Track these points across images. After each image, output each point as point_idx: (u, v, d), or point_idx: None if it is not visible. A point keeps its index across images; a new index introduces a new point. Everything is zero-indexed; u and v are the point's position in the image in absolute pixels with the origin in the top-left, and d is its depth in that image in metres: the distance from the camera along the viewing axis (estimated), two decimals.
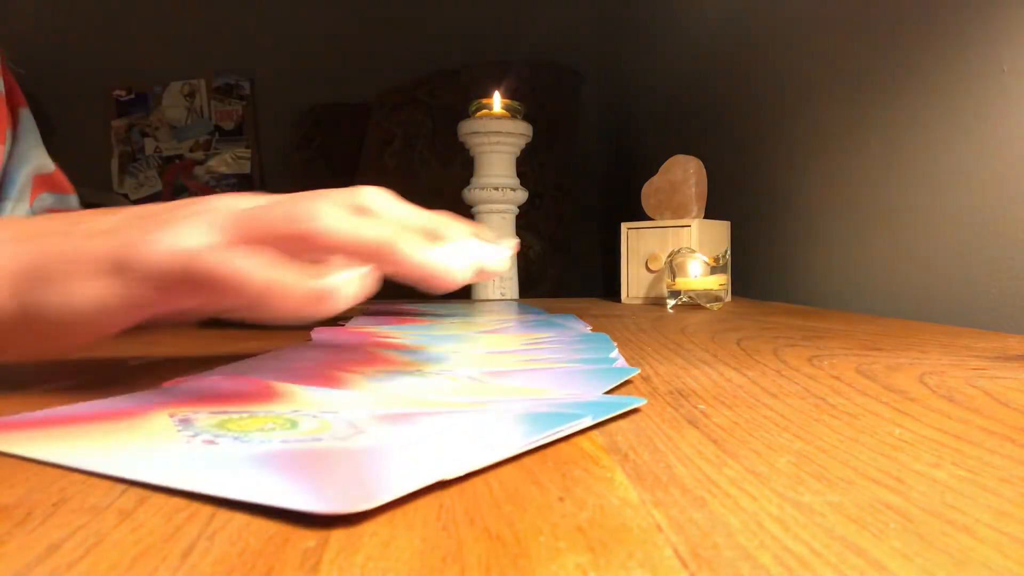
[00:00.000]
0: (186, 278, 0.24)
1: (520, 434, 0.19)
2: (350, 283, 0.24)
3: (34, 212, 0.63)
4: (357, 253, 0.25)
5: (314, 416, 0.21)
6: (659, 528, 0.15)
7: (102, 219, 0.28)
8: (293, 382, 0.27)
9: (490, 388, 0.27)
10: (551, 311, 0.70)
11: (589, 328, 0.50)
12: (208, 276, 0.24)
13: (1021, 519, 0.15)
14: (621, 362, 0.34)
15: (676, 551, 0.13)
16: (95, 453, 0.18)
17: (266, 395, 0.25)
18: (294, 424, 0.20)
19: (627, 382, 0.30)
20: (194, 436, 0.19)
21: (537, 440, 0.19)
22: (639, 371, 0.29)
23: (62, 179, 0.68)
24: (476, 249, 0.29)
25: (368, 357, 0.35)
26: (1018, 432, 0.22)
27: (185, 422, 0.21)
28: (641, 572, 0.13)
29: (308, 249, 0.25)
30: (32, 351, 0.29)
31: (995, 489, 0.17)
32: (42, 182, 0.65)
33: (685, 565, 0.13)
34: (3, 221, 0.30)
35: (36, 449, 0.19)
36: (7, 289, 0.26)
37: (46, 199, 0.65)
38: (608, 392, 0.27)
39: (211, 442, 0.19)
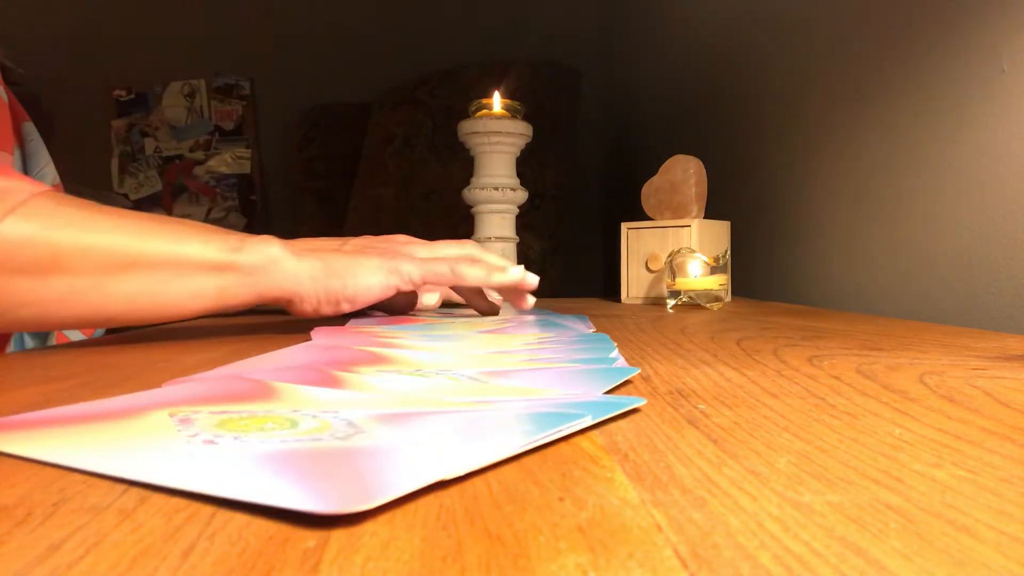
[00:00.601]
0: (429, 276, 0.52)
1: (520, 434, 0.19)
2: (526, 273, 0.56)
3: None
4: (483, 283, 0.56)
5: (314, 416, 0.21)
6: (659, 528, 0.15)
7: (348, 245, 0.54)
8: (293, 382, 0.27)
9: (490, 388, 0.26)
10: (551, 311, 0.70)
11: (592, 329, 0.50)
12: (438, 276, 0.53)
13: (1021, 519, 0.15)
14: (621, 362, 0.33)
15: (676, 551, 0.13)
16: (95, 453, 0.18)
17: (266, 395, 0.25)
18: (294, 424, 0.20)
19: (627, 382, 0.30)
20: (194, 436, 0.19)
21: (537, 440, 0.19)
22: (639, 371, 0.29)
23: (60, 191, 0.70)
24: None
25: (368, 357, 0.34)
26: (1018, 432, 0.22)
27: (185, 422, 0.21)
28: (641, 572, 0.13)
29: (458, 284, 0.55)
30: (324, 313, 0.49)
31: (995, 489, 0.17)
32: None
33: (685, 565, 0.13)
34: (290, 243, 0.50)
35: (36, 449, 0.19)
36: (312, 278, 0.47)
37: None
38: (608, 392, 0.27)
39: (211, 442, 0.19)
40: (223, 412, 0.22)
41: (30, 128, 0.67)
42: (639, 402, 0.24)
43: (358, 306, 0.49)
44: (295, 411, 0.22)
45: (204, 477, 0.16)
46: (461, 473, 0.17)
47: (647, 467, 0.19)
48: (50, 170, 0.68)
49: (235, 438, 0.19)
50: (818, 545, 0.14)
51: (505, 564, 0.13)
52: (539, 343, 0.41)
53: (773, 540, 0.14)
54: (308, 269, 0.47)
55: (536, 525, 0.15)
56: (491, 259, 0.58)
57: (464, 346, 0.39)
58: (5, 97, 0.63)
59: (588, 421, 0.21)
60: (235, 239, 0.46)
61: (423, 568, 0.13)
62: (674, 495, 0.16)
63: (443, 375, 0.29)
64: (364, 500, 0.14)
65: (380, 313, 0.65)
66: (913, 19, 0.71)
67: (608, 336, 0.44)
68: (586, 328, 0.50)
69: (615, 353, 0.36)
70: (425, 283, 0.53)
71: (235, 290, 0.45)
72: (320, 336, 0.45)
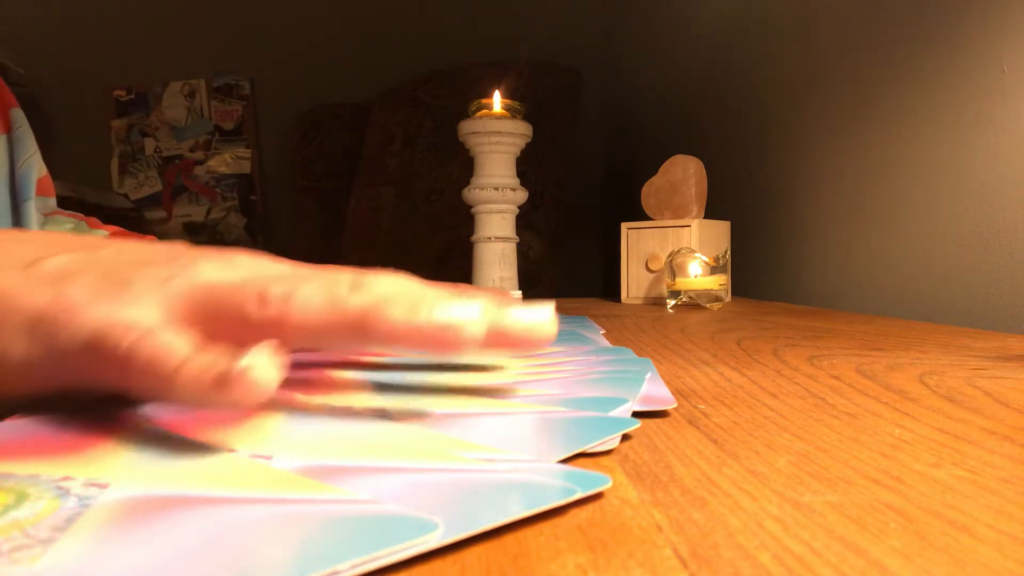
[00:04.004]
0: (98, 357, 0.22)
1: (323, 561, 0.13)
2: (266, 367, 0.19)
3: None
4: (333, 331, 0.22)
5: (60, 488, 0.17)
6: (659, 528, 0.15)
7: (72, 257, 0.24)
8: (162, 423, 0.22)
9: (412, 442, 0.21)
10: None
11: (602, 331, 0.48)
12: (122, 360, 0.21)
13: (1021, 519, 0.15)
14: (648, 387, 0.28)
15: (676, 551, 0.13)
16: None
17: (73, 447, 0.20)
18: (8, 505, 0.16)
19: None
20: None
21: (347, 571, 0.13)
22: (639, 424, 0.22)
23: (50, 182, 0.69)
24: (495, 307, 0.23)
25: (317, 381, 0.29)
26: (1018, 432, 0.22)
27: None
28: (641, 572, 0.13)
29: (275, 335, 0.22)
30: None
31: (995, 489, 0.17)
32: (42, 186, 0.66)
33: (685, 565, 0.13)
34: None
35: None
36: None
37: (38, 202, 0.66)
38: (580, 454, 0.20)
39: None
40: None
41: (18, 114, 0.66)
42: (600, 484, 0.17)
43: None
44: (62, 480, 0.18)
45: None
46: None
47: (647, 467, 0.19)
48: (36, 159, 0.67)
49: None
50: (818, 545, 0.13)
51: (505, 564, 0.13)
52: (544, 371, 0.32)
53: (773, 540, 0.14)
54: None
55: (536, 525, 0.15)
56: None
57: (444, 376, 0.31)
58: None
59: (434, 541, 0.14)
60: None
61: (423, 568, 0.13)
62: (674, 495, 0.16)
63: (377, 417, 0.24)
64: None
65: None
66: (914, 20, 0.71)
67: (631, 350, 0.38)
68: (600, 337, 0.44)
69: (634, 395, 0.26)
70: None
71: None
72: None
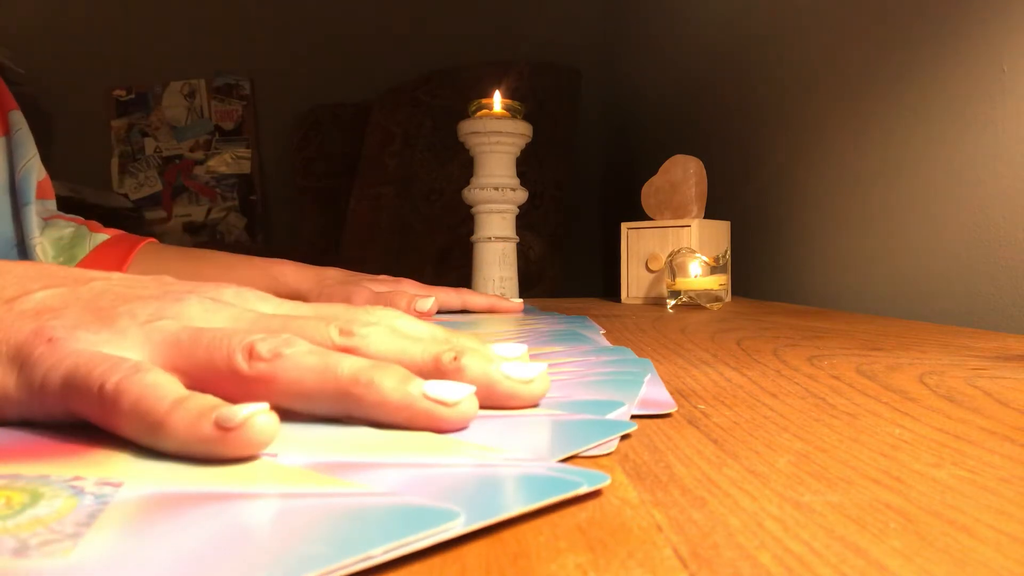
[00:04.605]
0: (80, 393, 0.21)
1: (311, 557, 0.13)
2: (266, 419, 0.19)
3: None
4: (321, 393, 0.22)
5: (72, 487, 0.17)
6: (659, 528, 0.15)
7: (55, 292, 0.25)
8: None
9: (413, 441, 0.21)
10: (549, 312, 0.70)
11: (602, 331, 0.48)
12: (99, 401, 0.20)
13: (1021, 519, 0.15)
14: (647, 389, 0.27)
15: (676, 551, 0.13)
16: None
17: (75, 450, 0.20)
18: (24, 504, 0.16)
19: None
20: None
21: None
22: (636, 427, 0.22)
23: (49, 185, 0.69)
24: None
25: None
26: (1018, 432, 0.22)
27: None
28: (641, 572, 0.13)
29: (262, 392, 0.22)
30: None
31: (995, 489, 0.17)
32: (42, 189, 0.66)
33: (685, 565, 0.13)
34: None
35: None
36: None
37: (38, 206, 0.66)
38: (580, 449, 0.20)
39: None
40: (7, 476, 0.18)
41: (17, 116, 0.65)
42: (601, 481, 0.17)
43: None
44: (74, 479, 0.18)
45: None
46: None
47: (647, 467, 0.19)
48: (36, 163, 0.66)
49: None
50: (818, 545, 0.14)
51: (505, 564, 0.13)
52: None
53: (773, 540, 0.14)
54: None
55: (536, 525, 0.15)
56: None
57: None
58: None
59: (458, 528, 0.14)
60: None
61: (423, 568, 0.13)
62: (674, 495, 0.16)
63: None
64: None
65: None
66: (914, 19, 0.71)
67: (631, 350, 0.38)
68: (600, 337, 0.44)
69: (636, 396, 0.26)
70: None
71: None
72: None
